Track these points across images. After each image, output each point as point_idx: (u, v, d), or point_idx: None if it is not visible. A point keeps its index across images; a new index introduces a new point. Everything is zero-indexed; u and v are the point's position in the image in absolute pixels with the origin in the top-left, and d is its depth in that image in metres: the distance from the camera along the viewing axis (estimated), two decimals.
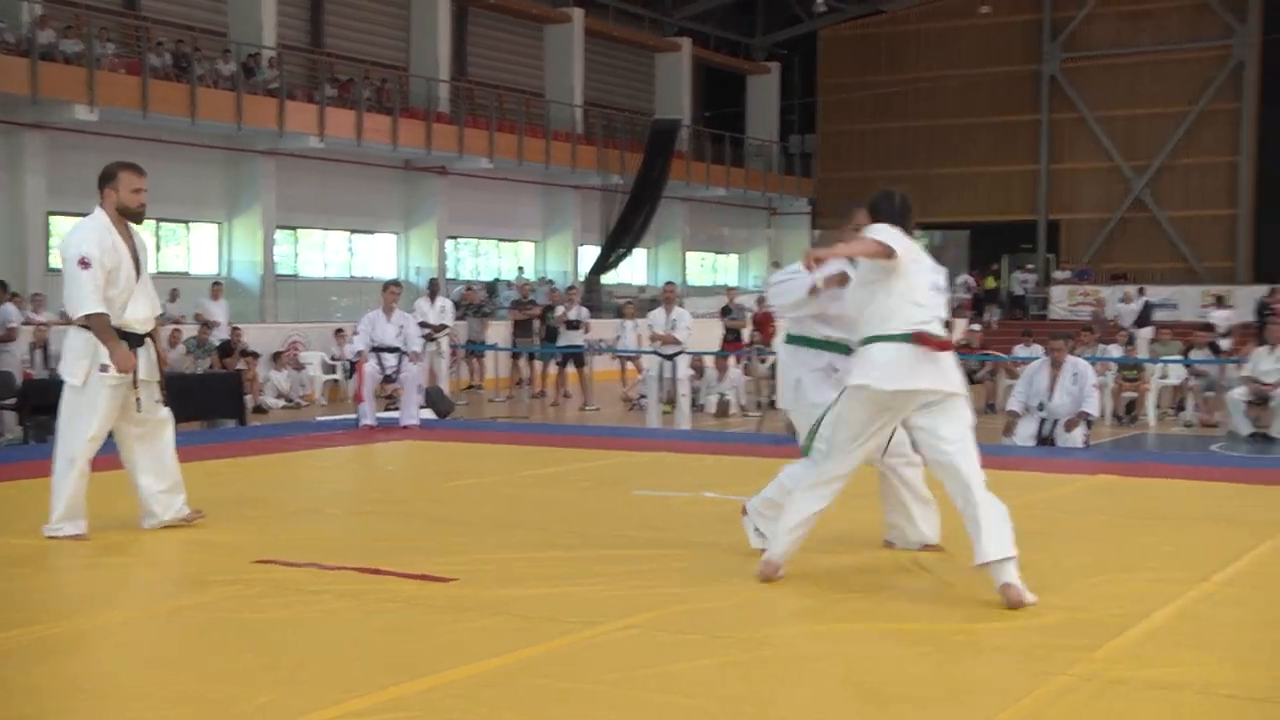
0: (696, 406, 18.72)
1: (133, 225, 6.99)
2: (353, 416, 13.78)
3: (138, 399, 6.85)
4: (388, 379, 13.95)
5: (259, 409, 18.53)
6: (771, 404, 16.07)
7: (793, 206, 42.35)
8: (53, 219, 23.82)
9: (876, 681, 4.45)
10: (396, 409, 13.98)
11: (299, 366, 20.79)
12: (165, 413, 7.09)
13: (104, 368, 6.75)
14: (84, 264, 6.69)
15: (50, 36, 22.16)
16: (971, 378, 20.01)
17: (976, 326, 22.67)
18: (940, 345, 5.61)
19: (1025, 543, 6.80)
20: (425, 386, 15.54)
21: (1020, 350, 18.87)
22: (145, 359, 6.93)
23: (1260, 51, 36.09)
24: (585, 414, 19.22)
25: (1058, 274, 37.59)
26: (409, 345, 14.05)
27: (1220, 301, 26.66)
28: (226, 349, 19.71)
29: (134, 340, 6.87)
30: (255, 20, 26.28)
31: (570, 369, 21.02)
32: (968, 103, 39.81)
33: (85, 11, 23.85)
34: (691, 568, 6.12)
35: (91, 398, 6.78)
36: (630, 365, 22.21)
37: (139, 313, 6.90)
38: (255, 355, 20.26)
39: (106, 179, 6.91)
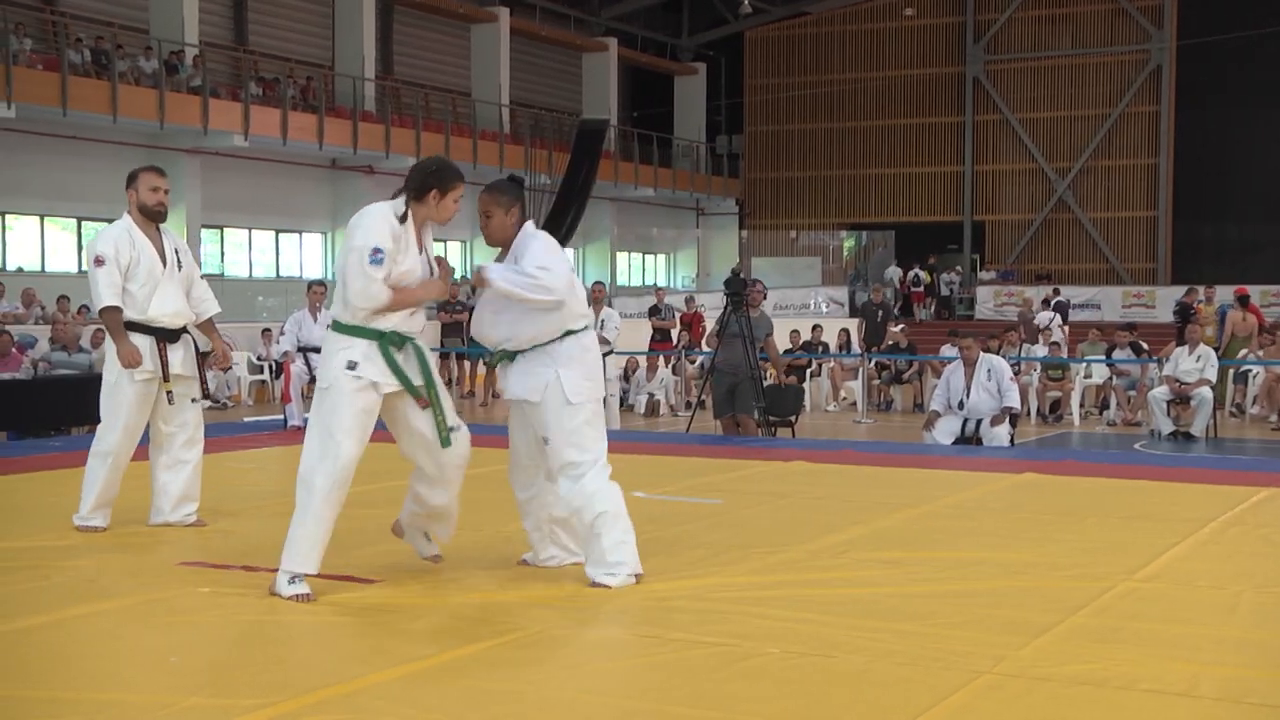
0: (626, 406, 18.74)
1: (165, 227, 7.26)
2: (280, 417, 13.65)
3: (169, 393, 7.10)
4: (315, 379, 13.84)
5: None
6: (701, 404, 16.12)
7: (721, 207, 42.51)
8: None
9: (804, 681, 4.46)
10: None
11: (225, 367, 20.58)
12: (198, 419, 7.31)
13: None
14: (98, 262, 6.97)
15: None
16: (900, 377, 20.20)
17: (901, 326, 22.87)
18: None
19: (951, 541, 6.89)
20: None
21: (947, 350, 19.04)
22: (180, 355, 7.19)
23: (1175, 56, 36.72)
24: None
25: (983, 275, 38.02)
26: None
27: (1046, 304, 27.36)
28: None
29: (165, 335, 7.10)
30: (177, 17, 25.98)
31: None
32: (893, 104, 40.18)
33: (1, 6, 23.46)
34: None
35: (122, 392, 6.98)
36: None
37: (166, 308, 7.10)
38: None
39: (129, 181, 7.17)
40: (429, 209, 5.65)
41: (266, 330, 21.33)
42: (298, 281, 26.05)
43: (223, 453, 11.12)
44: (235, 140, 25.64)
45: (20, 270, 23.78)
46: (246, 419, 15.65)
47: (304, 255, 29.99)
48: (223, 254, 28.11)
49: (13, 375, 14.56)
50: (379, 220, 5.56)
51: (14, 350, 15.22)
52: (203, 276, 7.62)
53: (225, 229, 28.11)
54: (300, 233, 29.74)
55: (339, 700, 4.16)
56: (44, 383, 14.28)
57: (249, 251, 29.10)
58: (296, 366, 13.57)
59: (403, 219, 5.60)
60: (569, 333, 5.82)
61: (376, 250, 5.48)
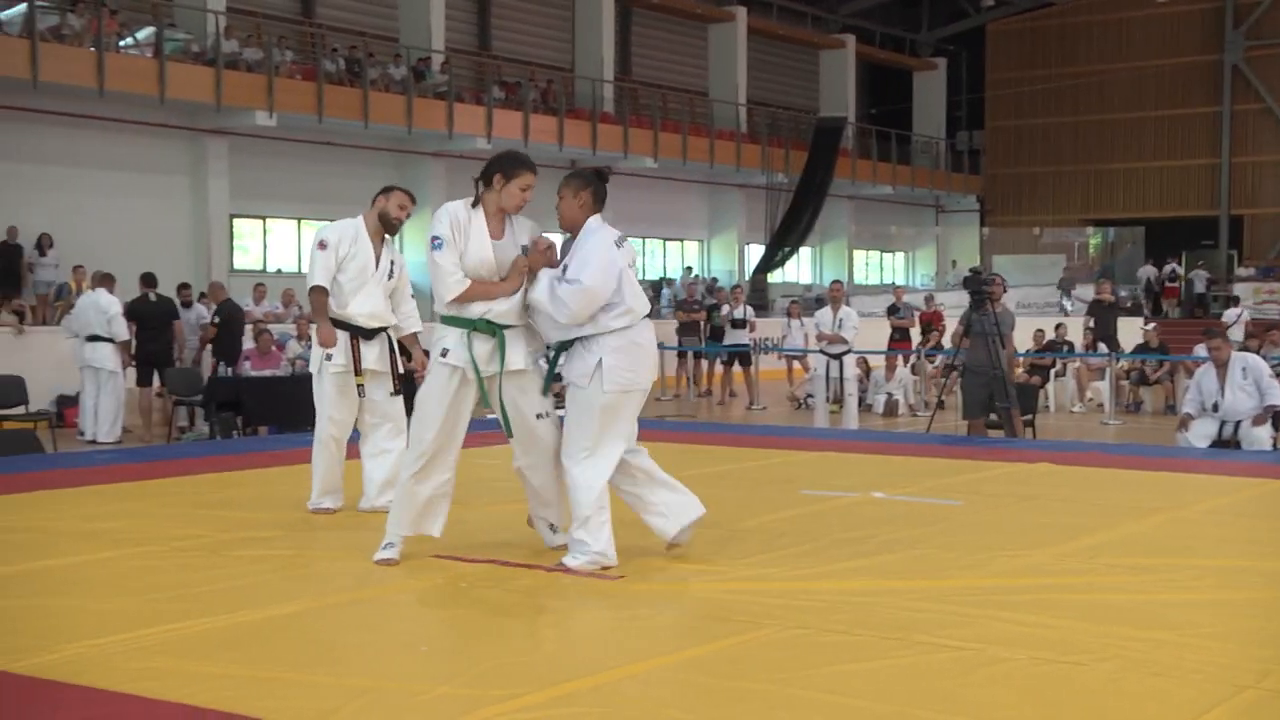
0: (864, 406, 18.55)
1: (389, 240, 7.71)
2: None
3: (360, 385, 7.55)
4: (556, 377, 14.02)
5: None
6: (940, 404, 15.86)
7: (960, 204, 41.74)
8: (235, 221, 24.61)
9: (1051, 688, 4.34)
10: (563, 407, 14.08)
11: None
12: (397, 412, 7.75)
13: (328, 357, 7.48)
14: (321, 245, 7.49)
15: (233, 46, 22.89)
16: (1145, 378, 19.49)
17: (1152, 325, 22.08)
18: None
19: (1209, 548, 6.60)
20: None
21: (1200, 350, 18.29)
22: (376, 352, 7.60)
23: None
24: (752, 413, 19.17)
25: (1241, 271, 36.37)
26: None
27: (1235, 302, 26.03)
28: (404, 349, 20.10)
29: (360, 333, 7.55)
30: (425, 24, 26.81)
31: (736, 368, 20.98)
32: (1142, 95, 38.79)
33: (265, 21, 24.58)
34: (861, 569, 6.05)
35: (323, 384, 7.55)
36: (797, 364, 22.11)
37: (364, 308, 7.54)
38: (426, 354, 20.57)
39: (385, 190, 7.66)
40: (495, 195, 6.03)
41: None
42: None
43: (466, 449, 11.39)
44: (478, 143, 26.28)
45: (279, 272, 24.88)
46: (488, 415, 15.96)
47: None
48: None
49: (273, 372, 15.21)
50: (441, 212, 6.04)
51: (274, 349, 15.91)
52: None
53: None
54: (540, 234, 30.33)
55: (585, 694, 4.22)
56: (301, 380, 14.86)
57: None
58: None
59: (474, 205, 6.03)
60: (613, 331, 6.05)
61: (435, 238, 5.96)
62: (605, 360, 5.99)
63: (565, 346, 6.16)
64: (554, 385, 6.37)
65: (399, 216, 7.57)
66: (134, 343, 15.57)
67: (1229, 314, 24.49)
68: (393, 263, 7.68)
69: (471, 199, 6.08)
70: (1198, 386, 11.84)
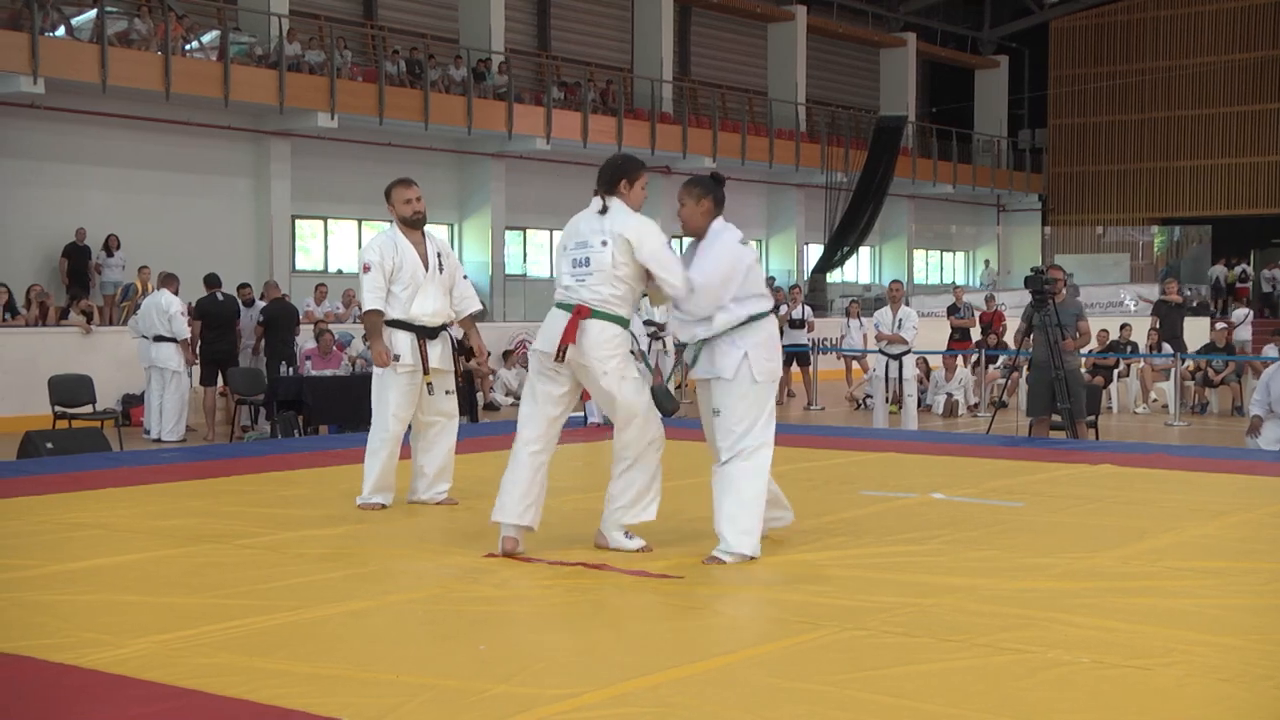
0: (923, 406, 18.44)
1: (430, 230, 7.93)
2: (579, 414, 13.95)
3: (429, 384, 7.70)
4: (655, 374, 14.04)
5: (490, 406, 18.92)
6: (1002, 404, 15.73)
7: (1022, 203, 41.38)
8: (297, 222, 24.82)
9: (1115, 693, 4.29)
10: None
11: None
12: (452, 409, 7.93)
13: (396, 358, 7.61)
14: (365, 269, 7.66)
15: (296, 49, 23.09)
16: (1208, 379, 19.24)
17: (1222, 325, 21.81)
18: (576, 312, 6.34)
19: (1277, 553, 6.50)
20: (650, 385, 15.62)
21: (1269, 350, 18.06)
22: (439, 351, 7.78)
23: None
24: (810, 413, 19.10)
25: None
26: (634, 343, 14.14)
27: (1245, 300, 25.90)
28: (464, 349, 20.21)
29: (424, 333, 7.70)
30: (484, 25, 26.91)
31: (795, 368, 20.92)
32: (1211, 91, 38.29)
33: (327, 23, 24.77)
34: (921, 570, 6.01)
35: (388, 384, 7.65)
36: (855, 365, 22.01)
37: (426, 308, 7.70)
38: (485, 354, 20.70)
39: (385, 197, 7.81)
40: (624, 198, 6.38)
41: None
42: None
43: None
44: (537, 144, 26.34)
45: (340, 272, 25.06)
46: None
47: None
48: (525, 254, 28.91)
49: (333, 372, 15.33)
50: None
51: (335, 348, 16.03)
52: (505, 277, 8.04)
53: (528, 230, 28.93)
54: None
55: (642, 693, 4.22)
56: (361, 379, 14.97)
57: (550, 252, 29.83)
58: None
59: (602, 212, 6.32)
60: (753, 318, 6.28)
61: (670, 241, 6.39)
62: (750, 352, 6.19)
63: (701, 344, 6.36)
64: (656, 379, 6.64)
65: (415, 211, 7.71)
66: (199, 342, 15.74)
67: (1236, 314, 24.31)
68: (439, 255, 7.81)
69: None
70: (1266, 387, 11.63)
